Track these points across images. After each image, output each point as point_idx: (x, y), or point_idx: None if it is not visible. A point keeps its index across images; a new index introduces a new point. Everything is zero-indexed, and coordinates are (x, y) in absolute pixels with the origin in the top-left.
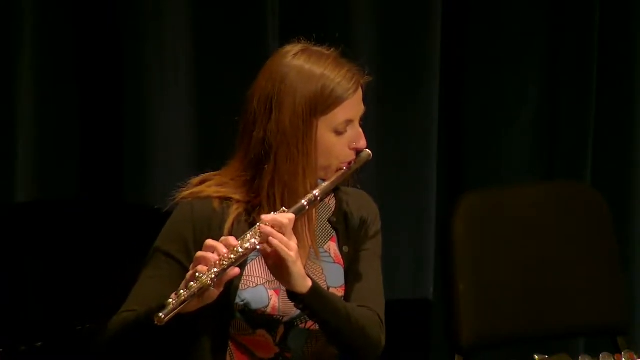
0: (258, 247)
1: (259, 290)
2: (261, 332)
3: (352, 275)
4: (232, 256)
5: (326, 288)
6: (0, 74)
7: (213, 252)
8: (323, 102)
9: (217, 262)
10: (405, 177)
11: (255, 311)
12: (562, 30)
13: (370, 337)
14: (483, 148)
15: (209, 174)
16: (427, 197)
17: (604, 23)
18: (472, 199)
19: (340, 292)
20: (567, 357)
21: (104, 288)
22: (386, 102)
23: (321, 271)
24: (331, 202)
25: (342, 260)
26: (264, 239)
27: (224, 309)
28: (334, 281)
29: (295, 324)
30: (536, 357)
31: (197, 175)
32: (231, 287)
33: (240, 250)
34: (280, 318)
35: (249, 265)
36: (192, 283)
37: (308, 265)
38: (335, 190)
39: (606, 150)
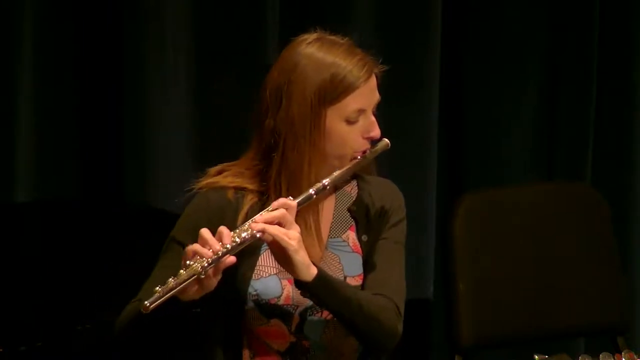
0: (258, 235)
1: (272, 280)
2: (275, 321)
3: (370, 263)
4: (228, 245)
5: (343, 277)
6: (1, 74)
7: (205, 244)
8: (333, 91)
9: (211, 250)
10: (405, 177)
11: (268, 301)
12: (562, 30)
13: (385, 326)
14: (483, 148)
15: (226, 164)
16: (427, 197)
17: (604, 23)
18: (472, 199)
19: (357, 281)
20: (567, 357)
21: (104, 288)
22: (386, 101)
23: (338, 260)
24: (353, 191)
25: (360, 249)
26: (261, 228)
27: (237, 300)
28: (351, 270)
29: (310, 313)
30: (536, 357)
31: (199, 172)
32: (244, 277)
33: (237, 239)
34: (295, 308)
35: (262, 255)
36: (181, 271)
37: (325, 255)
38: (358, 179)
39: (606, 150)
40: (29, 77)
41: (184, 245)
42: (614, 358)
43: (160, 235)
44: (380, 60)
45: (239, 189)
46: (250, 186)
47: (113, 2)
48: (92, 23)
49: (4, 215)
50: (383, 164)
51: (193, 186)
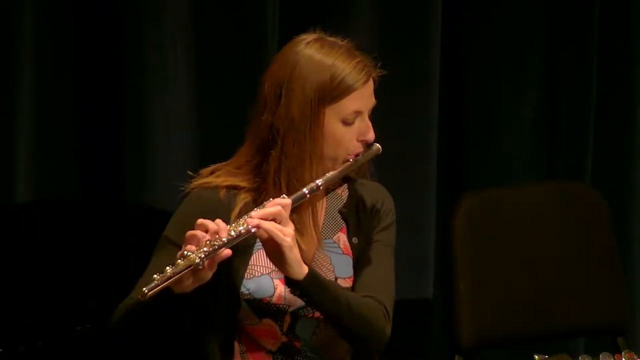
0: (253, 230)
1: (264, 280)
2: (267, 321)
3: (361, 265)
4: (224, 238)
5: (334, 279)
6: (1, 74)
7: (205, 232)
8: (331, 91)
9: (208, 242)
10: (405, 177)
11: (261, 300)
12: (562, 30)
13: (373, 327)
14: (483, 148)
15: (219, 164)
16: (427, 197)
17: (604, 23)
18: (472, 199)
19: (348, 283)
20: (567, 357)
21: (104, 288)
22: (386, 101)
23: (329, 261)
24: (344, 193)
25: (351, 251)
26: (257, 224)
27: (230, 298)
28: (342, 272)
29: (302, 313)
30: (536, 357)
31: (192, 173)
32: (237, 276)
33: (233, 233)
34: (287, 307)
35: (254, 254)
36: (179, 260)
37: (316, 256)
38: (349, 181)
39: (606, 150)
40: (29, 77)
41: (177, 244)
42: (614, 358)
43: (160, 235)
44: (379, 64)
45: (231, 188)
46: (243, 184)
47: (113, 2)
48: (92, 23)
49: (4, 215)
50: (383, 163)
51: (186, 186)
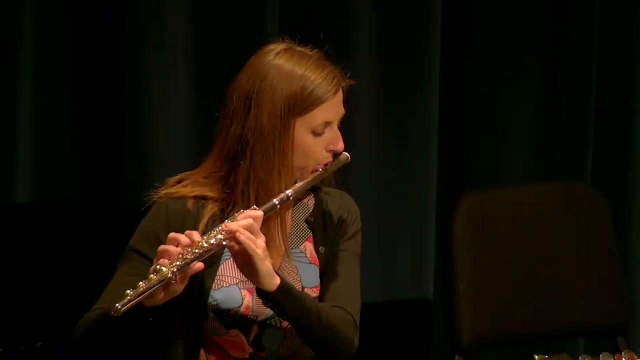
0: (224, 242)
1: (232, 290)
2: (235, 332)
3: (328, 275)
4: (196, 250)
5: (301, 288)
6: (1, 74)
7: (176, 245)
8: (302, 102)
9: (180, 255)
10: (406, 177)
11: (228, 311)
12: (562, 29)
13: (342, 337)
14: (483, 148)
15: (185, 173)
16: (427, 197)
17: (604, 23)
18: (472, 199)
19: (315, 293)
20: (567, 357)
21: (104, 288)
22: (386, 102)
23: (296, 271)
24: (310, 202)
25: (317, 260)
26: (231, 236)
27: (197, 309)
28: (309, 282)
29: (270, 323)
30: (536, 357)
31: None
32: (204, 287)
33: (205, 245)
34: (254, 318)
35: (222, 265)
36: (152, 275)
37: (283, 266)
38: (315, 190)
39: (606, 150)
40: (29, 77)
41: (143, 255)
42: (614, 358)
43: None
44: (348, 74)
45: (199, 198)
46: (211, 194)
47: (113, 2)
48: (92, 23)
49: (4, 215)
50: (383, 164)
51: (152, 196)
